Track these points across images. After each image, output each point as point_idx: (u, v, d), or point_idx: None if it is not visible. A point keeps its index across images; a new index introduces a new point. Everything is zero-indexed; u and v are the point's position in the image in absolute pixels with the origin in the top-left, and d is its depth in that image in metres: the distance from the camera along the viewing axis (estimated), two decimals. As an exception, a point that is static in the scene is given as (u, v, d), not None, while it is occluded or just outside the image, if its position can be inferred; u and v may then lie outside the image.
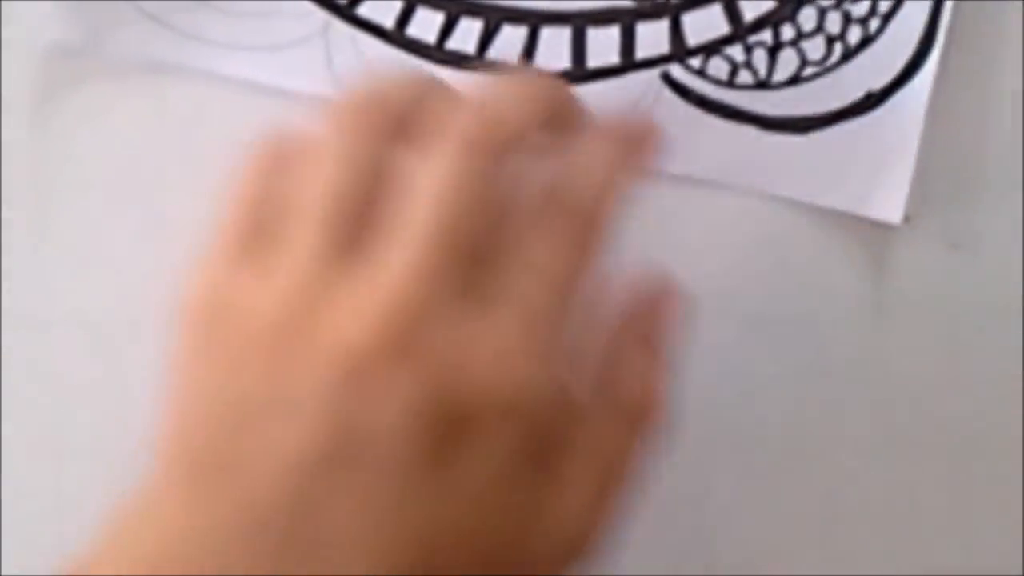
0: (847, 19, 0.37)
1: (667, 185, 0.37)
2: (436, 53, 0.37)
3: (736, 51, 0.37)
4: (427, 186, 0.28)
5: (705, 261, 0.38)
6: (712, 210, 0.38)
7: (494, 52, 0.37)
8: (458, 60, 0.37)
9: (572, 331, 0.30)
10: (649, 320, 0.32)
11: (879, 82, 0.37)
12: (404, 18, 0.37)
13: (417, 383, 0.27)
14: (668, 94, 0.37)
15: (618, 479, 0.31)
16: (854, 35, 0.37)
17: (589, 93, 0.37)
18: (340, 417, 0.27)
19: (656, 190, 0.37)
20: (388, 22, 0.37)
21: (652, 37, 0.37)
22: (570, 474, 0.30)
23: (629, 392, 0.31)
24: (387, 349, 0.27)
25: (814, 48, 0.37)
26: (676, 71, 0.37)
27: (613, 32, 0.37)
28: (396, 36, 0.37)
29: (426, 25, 0.37)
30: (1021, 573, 0.36)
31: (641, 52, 0.37)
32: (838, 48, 0.37)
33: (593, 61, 0.37)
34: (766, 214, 0.38)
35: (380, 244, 0.28)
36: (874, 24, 0.37)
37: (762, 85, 0.37)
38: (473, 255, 0.29)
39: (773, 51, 0.37)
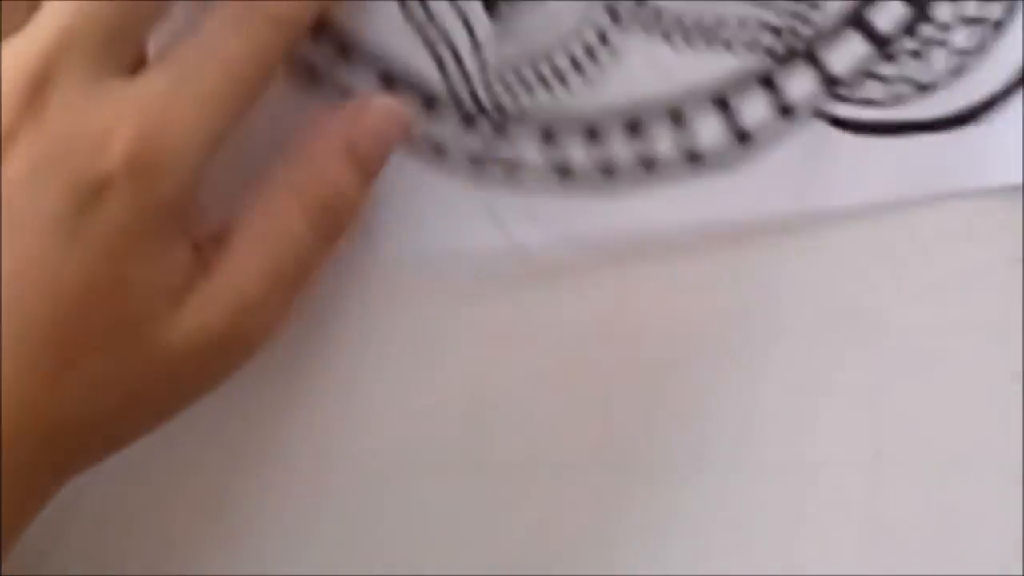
0: (982, -4, 0.36)
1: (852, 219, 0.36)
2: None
3: (885, 67, 0.36)
4: None
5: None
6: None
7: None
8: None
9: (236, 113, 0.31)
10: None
11: (1038, 45, 0.36)
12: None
13: (47, 143, 0.29)
14: (836, 133, 0.36)
15: (290, 270, 0.32)
16: (994, 10, 0.36)
17: (757, 161, 0.36)
18: None
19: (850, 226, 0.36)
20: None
21: (797, 80, 0.36)
22: (235, 255, 0.31)
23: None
24: (20, 108, 0.29)
25: (961, 38, 0.36)
26: (834, 107, 0.36)
27: (756, 91, 0.36)
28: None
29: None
30: (1021, 573, 0.36)
31: (792, 98, 0.36)
32: (983, 28, 0.36)
33: (750, 123, 0.36)
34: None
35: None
36: (1010, -9, 0.36)
37: (923, 88, 0.36)
38: (130, 24, 0.30)
39: (920, 54, 0.36)
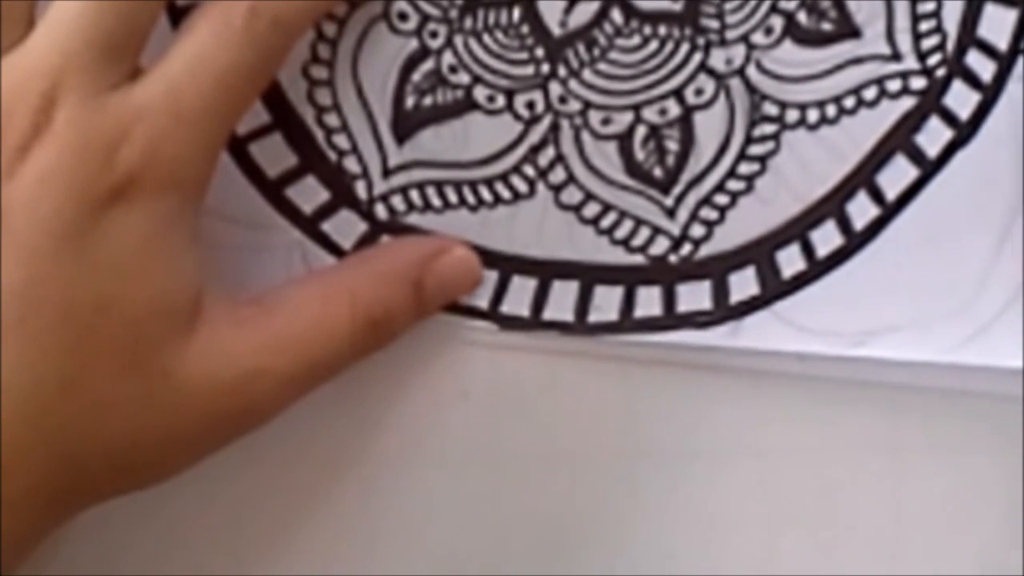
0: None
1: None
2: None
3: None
4: None
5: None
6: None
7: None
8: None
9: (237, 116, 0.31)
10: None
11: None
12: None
13: (54, 160, 0.29)
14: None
15: (316, 364, 0.33)
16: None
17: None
18: None
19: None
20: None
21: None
22: (271, 326, 0.32)
23: None
24: (29, 127, 0.29)
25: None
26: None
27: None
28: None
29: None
30: (1021, 573, 0.36)
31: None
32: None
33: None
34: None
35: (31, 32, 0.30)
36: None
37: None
38: (128, 35, 0.30)
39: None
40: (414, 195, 0.35)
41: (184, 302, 0.31)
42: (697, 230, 0.35)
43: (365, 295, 0.33)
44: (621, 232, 0.35)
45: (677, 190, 0.35)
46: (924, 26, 0.35)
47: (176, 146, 0.30)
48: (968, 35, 0.35)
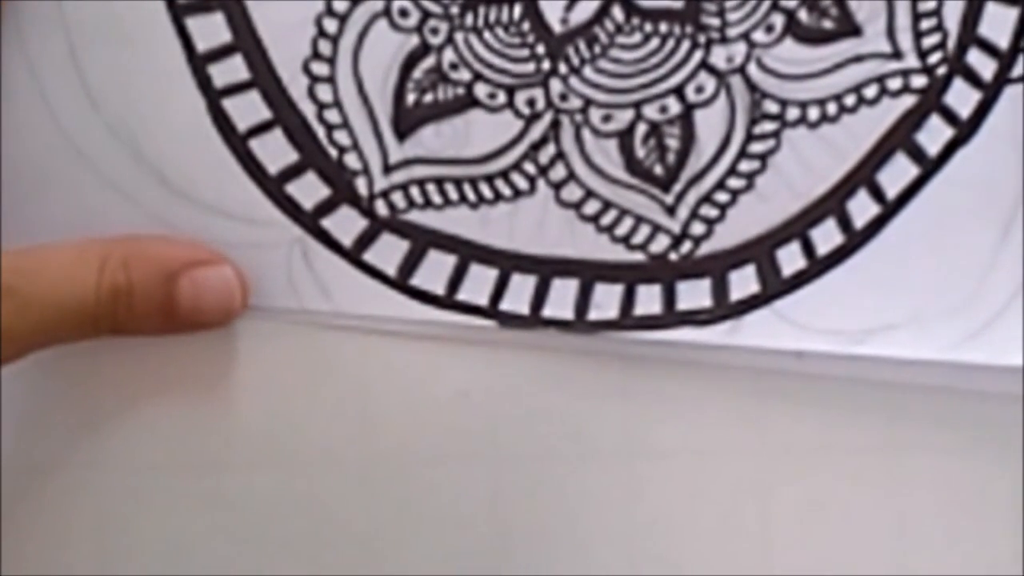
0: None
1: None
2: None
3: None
4: None
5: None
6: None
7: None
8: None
9: None
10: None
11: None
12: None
13: None
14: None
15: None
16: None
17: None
18: None
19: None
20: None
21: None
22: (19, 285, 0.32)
23: None
24: None
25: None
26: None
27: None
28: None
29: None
30: (1021, 573, 0.36)
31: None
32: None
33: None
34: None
35: None
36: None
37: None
38: None
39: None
40: (415, 192, 0.35)
41: None
42: (697, 228, 0.35)
43: (115, 262, 0.33)
44: (621, 230, 0.35)
45: (677, 188, 0.35)
46: (925, 24, 0.35)
47: None
48: (969, 33, 0.35)
